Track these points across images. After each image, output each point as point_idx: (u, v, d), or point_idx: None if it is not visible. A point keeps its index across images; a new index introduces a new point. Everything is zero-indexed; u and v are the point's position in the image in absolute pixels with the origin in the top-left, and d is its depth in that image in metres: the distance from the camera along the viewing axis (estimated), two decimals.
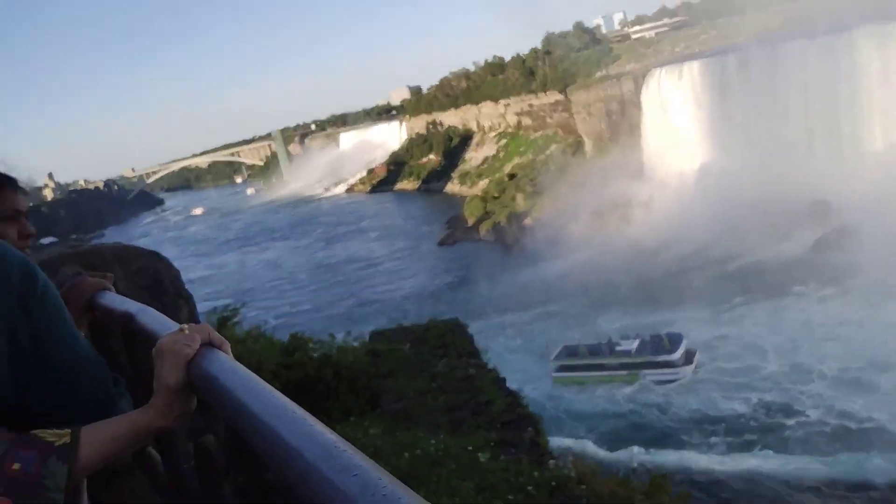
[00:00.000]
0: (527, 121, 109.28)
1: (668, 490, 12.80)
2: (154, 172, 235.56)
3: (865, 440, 31.20)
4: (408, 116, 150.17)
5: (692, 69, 78.60)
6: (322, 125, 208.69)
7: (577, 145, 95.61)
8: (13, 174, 2.07)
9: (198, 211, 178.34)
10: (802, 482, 29.26)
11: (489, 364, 18.01)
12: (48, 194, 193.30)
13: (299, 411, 1.22)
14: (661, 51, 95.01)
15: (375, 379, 15.76)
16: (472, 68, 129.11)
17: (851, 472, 29.33)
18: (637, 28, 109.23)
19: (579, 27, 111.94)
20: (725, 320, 47.19)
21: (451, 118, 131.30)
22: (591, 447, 33.96)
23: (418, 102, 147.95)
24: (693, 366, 40.70)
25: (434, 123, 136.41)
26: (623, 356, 41.75)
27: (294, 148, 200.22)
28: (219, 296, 60.43)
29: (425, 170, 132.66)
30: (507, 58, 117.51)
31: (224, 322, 15.64)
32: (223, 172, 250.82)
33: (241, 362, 1.49)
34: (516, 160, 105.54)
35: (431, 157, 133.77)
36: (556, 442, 26.21)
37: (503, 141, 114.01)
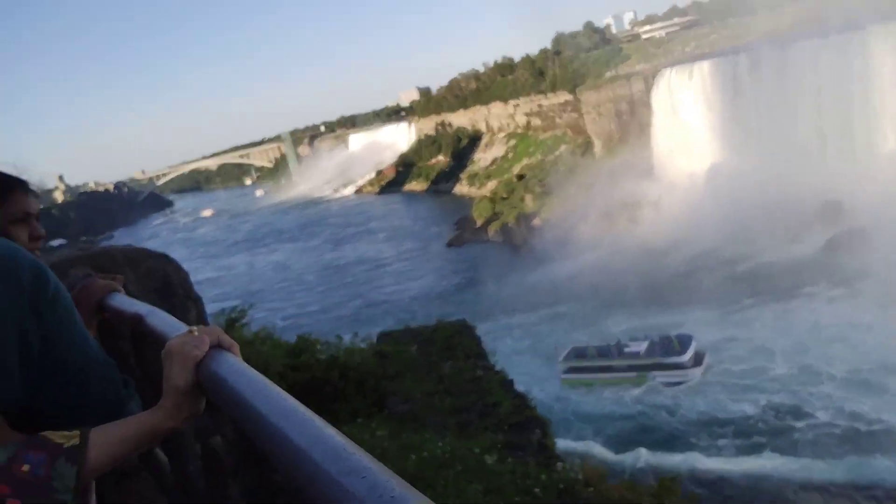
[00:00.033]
0: (536, 121, 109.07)
1: (677, 492, 12.77)
2: (164, 174, 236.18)
3: (874, 442, 31.02)
4: (417, 117, 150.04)
5: (703, 69, 78.22)
6: (331, 126, 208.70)
7: (587, 146, 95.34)
8: (24, 176, 2.08)
9: (207, 213, 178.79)
10: (811, 484, 29.10)
11: (497, 366, 17.93)
12: (58, 196, 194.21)
13: (308, 413, 1.22)
14: (671, 51, 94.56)
15: (382, 380, 15.73)
16: (481, 69, 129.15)
17: (860, 474, 29.16)
18: (647, 28, 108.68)
19: (589, 27, 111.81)
20: (734, 322, 46.87)
21: (460, 119, 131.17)
22: (598, 449, 33.89)
23: (427, 103, 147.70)
24: (702, 368, 40.44)
25: (443, 124, 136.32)
26: (632, 358, 41.52)
27: (303, 149, 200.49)
28: (227, 297, 60.53)
29: (434, 171, 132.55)
30: (517, 58, 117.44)
31: (232, 323, 15.62)
32: (232, 174, 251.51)
33: (249, 364, 1.50)
34: (525, 161, 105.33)
35: (440, 158, 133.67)
36: (564, 444, 26.17)
37: (512, 142, 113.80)
